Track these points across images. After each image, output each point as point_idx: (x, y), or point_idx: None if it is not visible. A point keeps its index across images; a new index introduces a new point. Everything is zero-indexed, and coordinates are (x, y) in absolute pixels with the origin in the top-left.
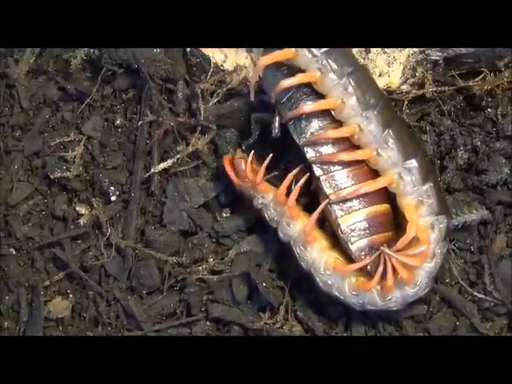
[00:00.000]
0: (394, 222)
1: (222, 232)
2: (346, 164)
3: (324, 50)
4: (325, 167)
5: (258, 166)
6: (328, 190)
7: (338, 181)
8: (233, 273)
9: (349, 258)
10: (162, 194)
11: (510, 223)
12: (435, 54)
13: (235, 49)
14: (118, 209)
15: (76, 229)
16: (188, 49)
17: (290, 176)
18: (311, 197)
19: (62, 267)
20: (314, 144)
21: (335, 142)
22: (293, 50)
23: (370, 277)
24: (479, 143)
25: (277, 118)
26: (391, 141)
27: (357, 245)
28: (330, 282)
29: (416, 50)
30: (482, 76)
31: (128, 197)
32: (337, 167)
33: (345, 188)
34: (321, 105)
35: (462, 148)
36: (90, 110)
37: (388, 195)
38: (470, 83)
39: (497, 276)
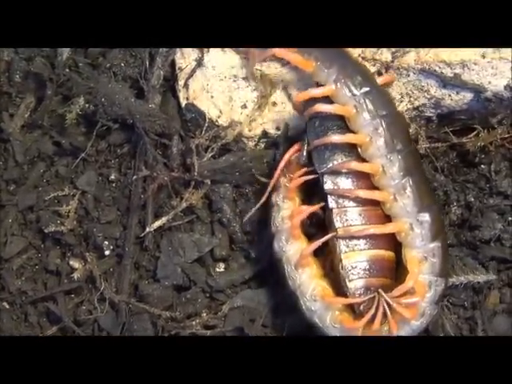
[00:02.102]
0: (395, 272)
1: (216, 287)
2: (360, 202)
3: (364, 90)
4: (339, 201)
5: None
6: (338, 224)
7: (350, 217)
8: (226, 328)
9: (337, 291)
10: (155, 249)
11: (503, 279)
12: (429, 110)
13: (230, 105)
14: (112, 263)
15: (69, 283)
16: (183, 104)
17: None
18: (320, 225)
19: (56, 321)
20: (333, 175)
21: (355, 178)
22: (332, 87)
23: (355, 314)
24: (472, 199)
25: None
26: (409, 189)
27: (354, 283)
28: (313, 308)
29: (410, 106)
30: (475, 133)
31: (122, 251)
32: (351, 203)
33: (354, 225)
34: (350, 137)
35: (455, 204)
36: (85, 165)
37: (395, 244)
38: (464, 140)
39: (490, 332)
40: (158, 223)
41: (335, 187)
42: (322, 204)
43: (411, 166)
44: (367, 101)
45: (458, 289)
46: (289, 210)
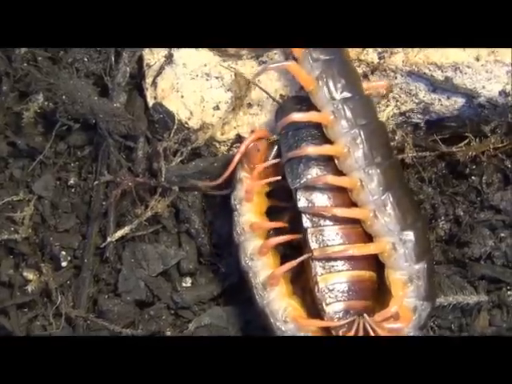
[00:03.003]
0: (377, 293)
1: (182, 303)
2: (338, 220)
3: (345, 95)
4: (315, 219)
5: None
6: (313, 245)
7: (327, 237)
8: None
9: (310, 311)
10: (117, 261)
11: (493, 300)
12: (416, 116)
13: (201, 106)
14: (69, 275)
15: (23, 296)
16: (150, 104)
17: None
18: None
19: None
20: (308, 192)
21: (331, 194)
22: (315, 83)
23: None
24: (462, 213)
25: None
26: (390, 205)
27: (332, 307)
28: (284, 329)
29: (396, 111)
30: (466, 141)
31: (80, 263)
32: (328, 222)
33: (332, 246)
34: (326, 149)
35: (443, 218)
36: (42, 168)
37: (376, 263)
38: (453, 149)
39: None
40: (120, 233)
41: (310, 205)
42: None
43: (392, 181)
44: (346, 108)
45: (445, 310)
46: (250, 215)
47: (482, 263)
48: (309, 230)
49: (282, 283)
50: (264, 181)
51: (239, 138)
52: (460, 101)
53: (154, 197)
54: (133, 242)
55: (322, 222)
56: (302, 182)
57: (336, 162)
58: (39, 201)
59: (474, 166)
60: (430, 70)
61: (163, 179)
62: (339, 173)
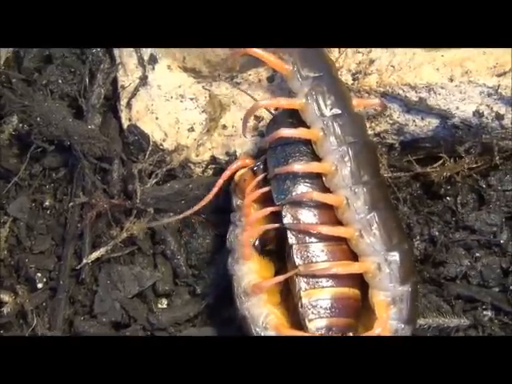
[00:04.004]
0: (359, 311)
1: (158, 324)
2: (323, 238)
3: (334, 112)
4: (300, 236)
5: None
6: (298, 261)
7: (311, 253)
8: None
9: (292, 321)
10: (93, 282)
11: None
12: (391, 137)
13: (176, 127)
14: (45, 297)
15: None
16: (125, 126)
17: (261, 228)
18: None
19: None
20: (293, 208)
21: (317, 211)
22: (303, 101)
23: None
24: (437, 233)
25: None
26: (375, 225)
27: (314, 323)
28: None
29: (370, 132)
30: (440, 162)
31: (56, 284)
32: (313, 239)
33: (316, 262)
34: (313, 167)
35: (418, 238)
36: (17, 190)
37: (360, 280)
38: (428, 169)
39: None
40: (95, 254)
41: (295, 221)
42: (276, 225)
43: (378, 200)
44: (335, 125)
45: (423, 331)
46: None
47: (457, 282)
48: (294, 247)
49: (265, 292)
50: (254, 195)
51: (214, 160)
52: (434, 121)
53: (129, 218)
54: (108, 263)
55: (307, 238)
56: (287, 198)
57: (323, 179)
58: (14, 223)
59: (448, 187)
60: (403, 91)
61: (138, 201)
62: (326, 190)
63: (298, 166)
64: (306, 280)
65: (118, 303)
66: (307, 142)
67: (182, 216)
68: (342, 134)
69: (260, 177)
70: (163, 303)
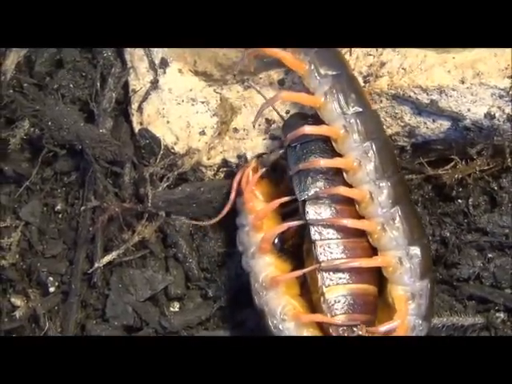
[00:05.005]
0: (377, 308)
1: (170, 328)
2: (345, 234)
3: (356, 109)
4: (323, 232)
5: (271, 191)
6: (321, 257)
7: (334, 250)
8: None
9: (307, 309)
10: (105, 286)
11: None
12: (402, 139)
13: (187, 131)
14: (57, 301)
15: (10, 322)
16: (136, 129)
17: (285, 226)
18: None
19: None
20: (316, 204)
21: (339, 207)
22: (321, 99)
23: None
24: (448, 234)
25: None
26: (398, 219)
27: (338, 319)
28: (281, 328)
29: None
30: (452, 164)
31: (68, 288)
32: (335, 235)
33: (339, 258)
34: (338, 162)
35: (430, 239)
36: (29, 194)
37: (378, 279)
38: (440, 171)
39: None
40: (107, 258)
41: (318, 217)
42: (300, 222)
43: (401, 195)
44: (359, 122)
45: (437, 330)
46: (250, 223)
47: (470, 283)
48: (317, 243)
49: (282, 285)
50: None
51: (225, 163)
52: (445, 124)
53: (140, 222)
54: (120, 267)
55: (330, 235)
56: (310, 194)
57: (345, 175)
58: (26, 227)
59: (460, 189)
60: (415, 93)
61: (150, 204)
62: (346, 185)
63: (323, 162)
64: (328, 276)
65: (130, 307)
66: (326, 140)
67: (203, 223)
68: (365, 131)
69: (259, 173)
70: (175, 306)
